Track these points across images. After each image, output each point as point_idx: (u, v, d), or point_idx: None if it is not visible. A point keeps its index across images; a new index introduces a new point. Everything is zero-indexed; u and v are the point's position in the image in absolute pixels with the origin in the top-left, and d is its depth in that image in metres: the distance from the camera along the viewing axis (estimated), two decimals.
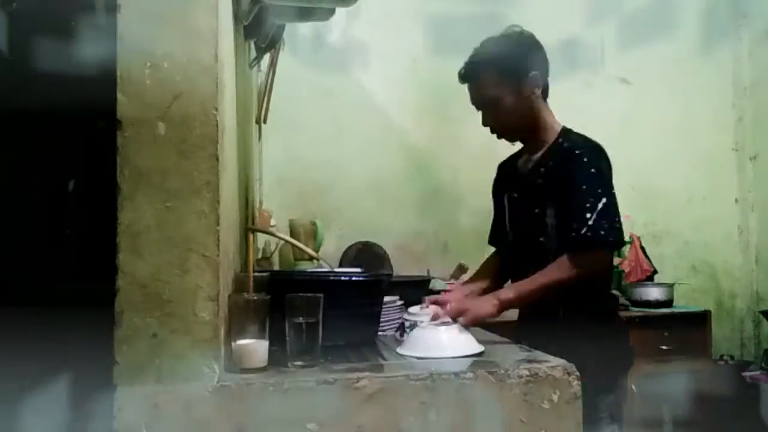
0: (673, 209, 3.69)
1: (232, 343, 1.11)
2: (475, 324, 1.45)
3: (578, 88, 3.49)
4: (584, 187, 1.56)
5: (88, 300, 1.04)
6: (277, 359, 1.14)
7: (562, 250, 1.55)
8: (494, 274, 1.83)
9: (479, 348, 1.29)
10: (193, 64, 1.04)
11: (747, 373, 3.10)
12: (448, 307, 1.47)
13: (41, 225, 1.11)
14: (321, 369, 1.13)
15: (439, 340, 1.29)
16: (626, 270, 3.40)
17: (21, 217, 1.10)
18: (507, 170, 1.86)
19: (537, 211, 1.65)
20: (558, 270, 1.53)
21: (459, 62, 1.71)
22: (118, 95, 1.02)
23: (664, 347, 3.01)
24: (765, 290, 3.67)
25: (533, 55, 1.67)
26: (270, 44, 2.08)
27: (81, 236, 1.11)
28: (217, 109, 1.04)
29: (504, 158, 1.90)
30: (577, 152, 1.61)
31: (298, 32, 3.11)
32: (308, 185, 3.30)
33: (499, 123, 1.69)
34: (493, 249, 1.93)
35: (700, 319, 3.14)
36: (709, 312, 3.18)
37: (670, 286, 3.30)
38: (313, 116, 3.30)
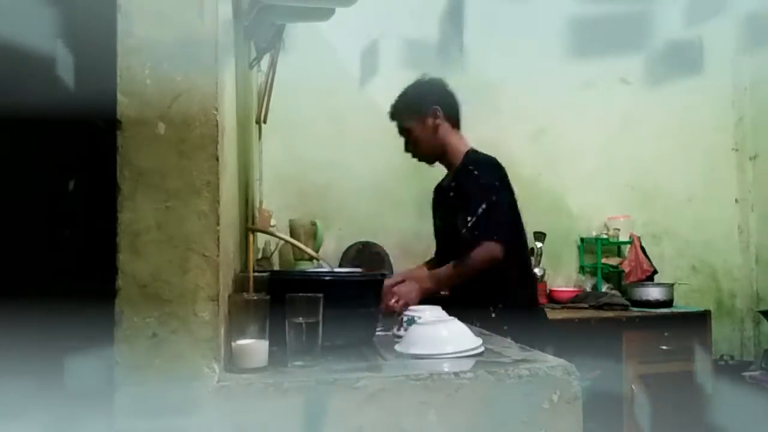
0: (673, 209, 3.69)
1: (232, 343, 1.11)
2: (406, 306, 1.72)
3: (578, 88, 3.50)
4: (469, 192, 2.00)
5: (87, 300, 1.04)
6: (277, 359, 1.14)
7: (463, 248, 1.96)
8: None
9: (478, 341, 1.29)
10: (193, 64, 1.04)
11: (747, 373, 3.10)
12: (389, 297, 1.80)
13: (41, 225, 1.11)
14: (321, 369, 1.13)
15: (439, 336, 1.28)
16: (626, 270, 3.41)
17: (20, 217, 1.10)
18: (437, 191, 2.33)
19: (451, 220, 2.07)
20: (459, 263, 1.97)
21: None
22: (118, 95, 1.02)
23: (664, 347, 3.01)
24: (765, 290, 3.67)
25: (435, 95, 2.17)
26: (270, 44, 2.08)
27: (81, 236, 1.11)
28: (217, 109, 1.04)
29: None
30: (470, 167, 2.05)
31: (298, 32, 3.10)
32: (308, 185, 3.29)
33: (413, 149, 2.20)
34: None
35: (700, 319, 3.14)
36: (709, 312, 3.18)
37: (670, 286, 3.30)
38: (313, 116, 3.30)
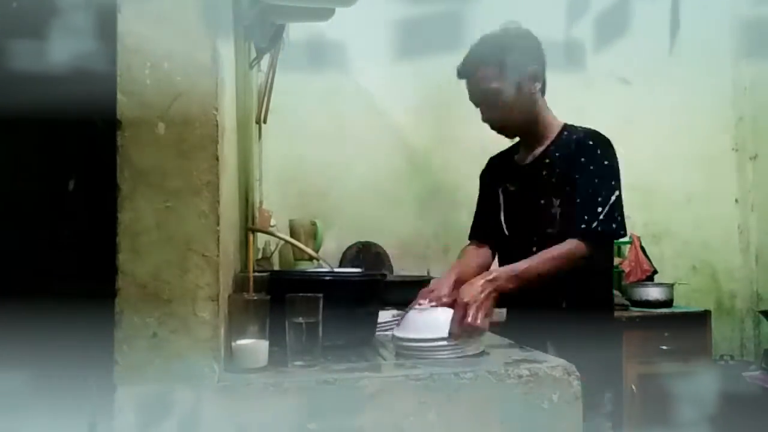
0: (673, 209, 3.69)
1: (232, 343, 1.11)
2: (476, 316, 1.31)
3: (578, 88, 3.49)
4: (597, 179, 1.55)
5: (87, 300, 1.04)
6: (277, 359, 1.14)
7: (584, 239, 1.52)
8: (484, 266, 1.75)
9: None
10: (193, 64, 1.04)
11: (747, 373, 3.10)
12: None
13: (41, 225, 1.11)
14: (321, 369, 1.13)
15: (436, 321, 1.27)
16: (626, 270, 3.40)
17: (20, 217, 1.10)
18: (502, 164, 1.83)
19: (543, 202, 1.63)
20: (561, 251, 1.50)
21: (459, 62, 1.71)
22: (118, 95, 1.02)
23: (664, 347, 3.01)
24: (765, 290, 3.67)
25: (532, 50, 1.67)
26: (270, 44, 2.08)
27: (81, 236, 1.11)
28: (217, 109, 1.04)
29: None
30: (590, 143, 1.60)
31: (299, 32, 3.10)
32: (308, 185, 3.29)
33: (499, 118, 1.67)
34: None
35: (700, 319, 3.14)
36: (709, 312, 3.18)
37: (670, 286, 3.30)
38: (313, 116, 3.30)
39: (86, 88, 1.09)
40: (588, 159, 1.58)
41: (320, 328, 1.15)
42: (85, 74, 1.09)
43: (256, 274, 1.38)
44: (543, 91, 1.70)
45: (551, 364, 1.17)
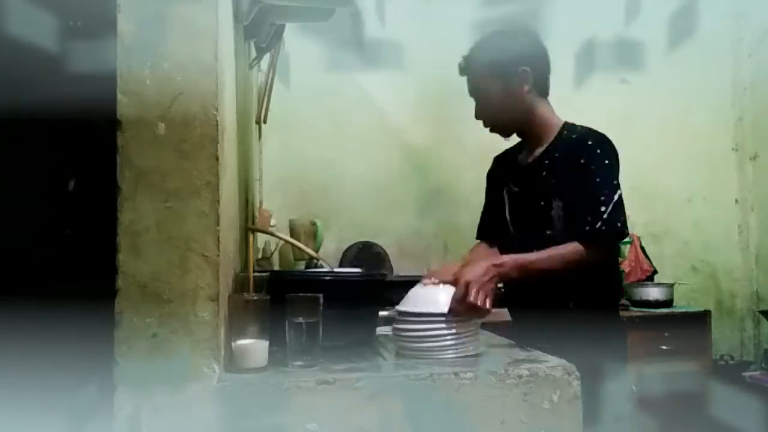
0: (673, 209, 3.69)
1: (232, 343, 1.11)
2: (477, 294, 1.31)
3: (578, 88, 3.50)
4: (598, 179, 1.55)
5: (87, 300, 1.04)
6: (277, 359, 1.14)
7: (585, 241, 1.51)
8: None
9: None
10: (193, 64, 1.04)
11: (747, 373, 3.10)
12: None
13: (41, 225, 1.11)
14: (321, 369, 1.13)
15: (437, 297, 1.29)
16: (626, 270, 3.40)
17: (20, 217, 1.10)
18: (506, 163, 1.83)
19: (543, 203, 1.62)
20: (568, 250, 1.50)
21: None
22: (118, 95, 1.02)
23: (664, 347, 3.01)
24: (765, 290, 3.67)
25: (526, 52, 1.67)
26: (270, 44, 2.08)
27: (81, 236, 1.11)
28: (217, 109, 1.04)
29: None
30: (590, 143, 1.59)
31: (298, 32, 3.10)
32: (308, 185, 3.29)
33: (488, 116, 1.70)
34: None
35: (700, 319, 3.14)
36: (709, 312, 3.18)
37: (670, 286, 3.30)
38: (313, 116, 3.30)
39: (86, 88, 1.09)
40: (588, 159, 1.57)
41: (320, 328, 1.15)
42: (85, 74, 1.09)
43: (256, 274, 1.38)
44: (543, 92, 1.70)
45: (551, 364, 1.17)
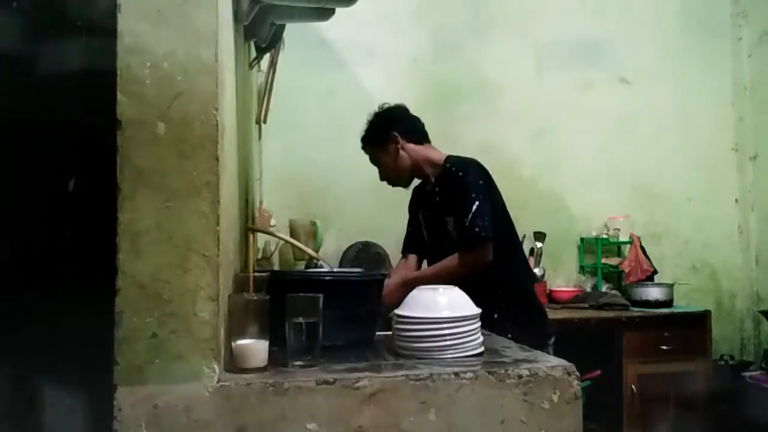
0: (673, 209, 3.69)
1: (232, 343, 1.11)
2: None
3: (578, 88, 3.49)
4: (461, 196, 2.00)
5: (87, 300, 1.04)
6: (277, 359, 1.14)
7: (458, 249, 1.99)
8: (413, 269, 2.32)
9: (476, 310, 1.30)
10: (193, 64, 1.04)
11: (747, 373, 3.10)
12: None
13: (41, 225, 1.11)
14: (321, 369, 1.13)
15: (437, 301, 1.29)
16: (626, 270, 3.41)
17: (20, 217, 1.10)
18: (419, 194, 2.35)
19: (441, 222, 2.12)
20: (447, 263, 2.01)
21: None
22: (118, 95, 1.02)
23: (664, 347, 3.01)
24: (765, 290, 3.67)
25: (390, 122, 2.21)
26: (270, 44, 2.08)
27: (81, 236, 1.11)
28: (217, 109, 1.04)
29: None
30: (453, 170, 2.08)
31: (298, 32, 3.10)
32: (308, 185, 3.29)
33: (387, 176, 2.26)
34: None
35: (700, 319, 3.14)
36: (709, 312, 3.18)
37: (670, 286, 3.30)
38: (313, 116, 3.30)
39: (86, 88, 1.09)
40: (455, 182, 2.05)
41: (320, 328, 1.15)
42: (85, 74, 1.09)
43: (256, 274, 1.38)
44: (419, 140, 2.20)
45: (551, 364, 1.17)
